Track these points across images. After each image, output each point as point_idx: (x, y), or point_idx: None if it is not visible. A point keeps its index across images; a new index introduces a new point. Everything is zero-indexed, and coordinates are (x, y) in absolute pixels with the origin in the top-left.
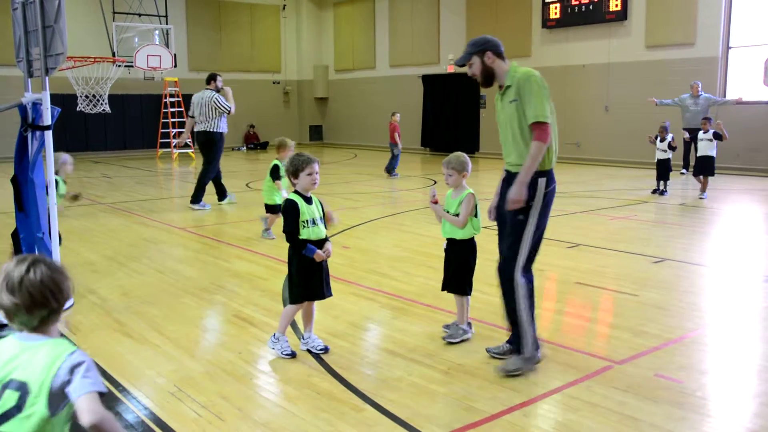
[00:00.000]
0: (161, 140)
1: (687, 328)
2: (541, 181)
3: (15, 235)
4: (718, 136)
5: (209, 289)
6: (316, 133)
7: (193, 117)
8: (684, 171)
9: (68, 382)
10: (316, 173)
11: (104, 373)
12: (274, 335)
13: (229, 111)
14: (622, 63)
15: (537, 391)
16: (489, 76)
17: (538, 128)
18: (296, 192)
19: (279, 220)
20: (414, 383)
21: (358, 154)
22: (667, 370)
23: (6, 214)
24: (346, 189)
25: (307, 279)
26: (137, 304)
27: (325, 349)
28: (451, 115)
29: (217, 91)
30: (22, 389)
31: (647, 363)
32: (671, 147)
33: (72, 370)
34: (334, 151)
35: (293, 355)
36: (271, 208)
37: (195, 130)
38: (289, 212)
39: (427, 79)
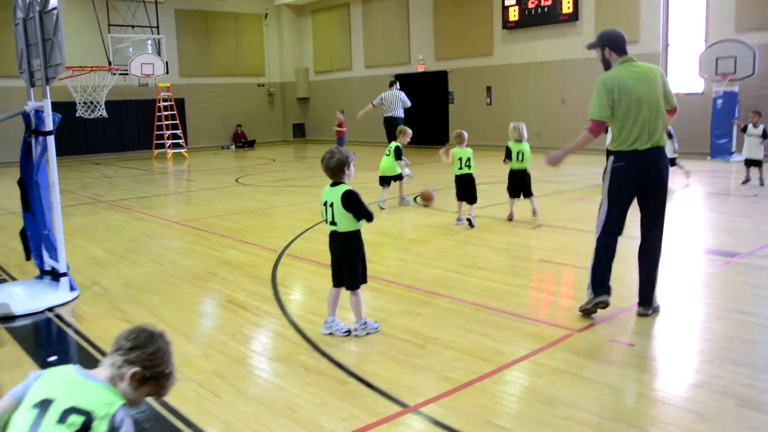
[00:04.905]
0: (156, 141)
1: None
2: (611, 159)
3: (23, 233)
4: (765, 135)
5: (204, 278)
6: (299, 131)
7: (374, 105)
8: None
9: (118, 429)
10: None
11: None
12: (360, 322)
13: (409, 105)
14: (575, 60)
15: (506, 360)
16: (608, 68)
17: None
18: (344, 183)
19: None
20: (394, 357)
21: None
22: (620, 336)
23: (15, 214)
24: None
25: (365, 264)
26: (138, 293)
27: (348, 332)
28: (423, 111)
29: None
30: (87, 416)
31: (603, 330)
32: None
33: (123, 420)
34: (315, 147)
35: (348, 331)
36: (386, 180)
37: (384, 115)
38: (360, 198)
39: (399, 78)
